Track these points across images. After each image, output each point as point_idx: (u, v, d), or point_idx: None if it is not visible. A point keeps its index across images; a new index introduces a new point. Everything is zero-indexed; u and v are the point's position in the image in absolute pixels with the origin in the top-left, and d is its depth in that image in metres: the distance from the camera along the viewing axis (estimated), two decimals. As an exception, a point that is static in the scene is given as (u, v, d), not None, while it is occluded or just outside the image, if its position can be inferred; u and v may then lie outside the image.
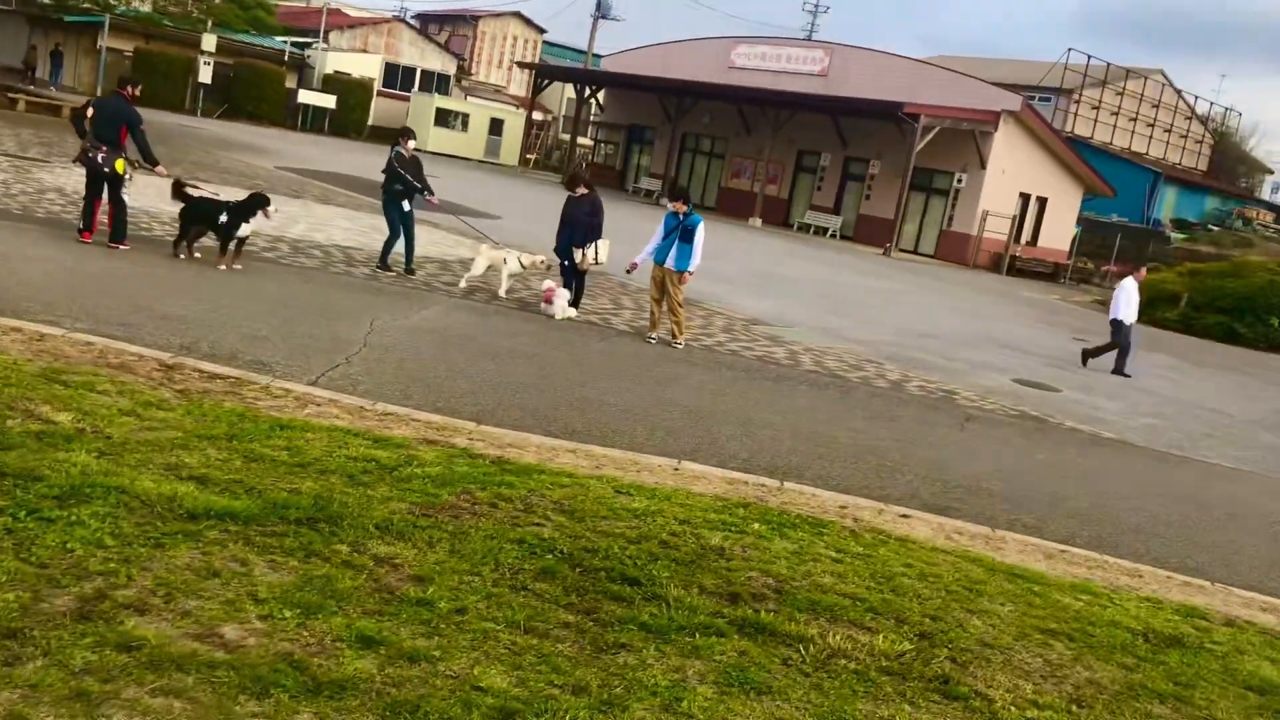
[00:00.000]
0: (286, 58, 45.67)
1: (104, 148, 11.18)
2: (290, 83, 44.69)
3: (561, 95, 53.81)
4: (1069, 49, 60.83)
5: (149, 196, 14.69)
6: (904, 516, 7.08)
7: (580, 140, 49.01)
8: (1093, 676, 4.81)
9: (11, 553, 4.07)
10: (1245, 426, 14.07)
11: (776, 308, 17.01)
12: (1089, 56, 48.96)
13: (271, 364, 8.08)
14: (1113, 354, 16.46)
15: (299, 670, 3.58)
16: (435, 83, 50.64)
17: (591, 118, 50.36)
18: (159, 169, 11.74)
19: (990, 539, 6.94)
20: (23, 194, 14.16)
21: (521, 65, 55.96)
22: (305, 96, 44.07)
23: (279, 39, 46.50)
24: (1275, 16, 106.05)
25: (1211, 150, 57.88)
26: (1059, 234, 40.15)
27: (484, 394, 8.46)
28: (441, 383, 8.59)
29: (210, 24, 37.48)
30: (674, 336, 12.08)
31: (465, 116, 47.43)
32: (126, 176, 11.40)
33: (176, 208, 11.76)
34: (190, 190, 11.50)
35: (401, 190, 13.47)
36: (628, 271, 12.89)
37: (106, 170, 11.21)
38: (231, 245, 11.55)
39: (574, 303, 12.76)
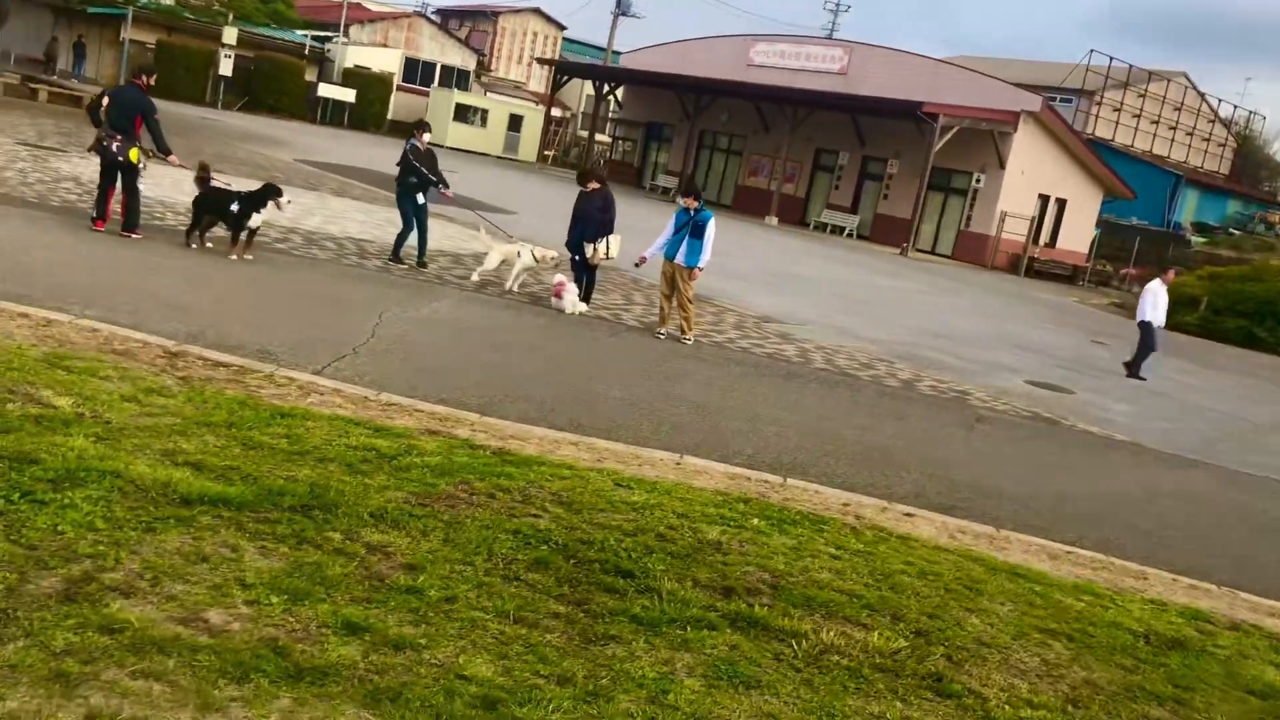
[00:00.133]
0: (307, 51, 45.82)
1: (119, 137, 11.21)
2: (310, 76, 44.84)
3: (580, 92, 53.82)
4: (1091, 50, 60.50)
5: (164, 186, 14.75)
6: (908, 515, 7.02)
7: (598, 137, 49.01)
8: (1090, 677, 4.74)
9: (2, 534, 4.07)
10: (1261, 431, 13.92)
11: (789, 306, 16.94)
12: (1111, 58, 48.65)
13: (277, 353, 8.08)
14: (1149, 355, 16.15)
15: (281, 656, 3.56)
16: (455, 78, 50.69)
17: (610, 114, 50.34)
18: (172, 158, 11.77)
19: (994, 539, 6.88)
20: (39, 183, 14.24)
21: (541, 61, 55.98)
22: (325, 90, 44.20)
23: (299, 32, 46.66)
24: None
25: (1234, 154, 57.32)
26: (1078, 236, 39.88)
27: (490, 386, 8.44)
28: (448, 374, 8.58)
29: (231, 17, 37.66)
30: (683, 332, 12.04)
31: (484, 112, 47.45)
32: (140, 165, 11.44)
33: (190, 198, 11.79)
34: (210, 180, 11.54)
35: (416, 183, 13.47)
36: (636, 265, 12.85)
37: (121, 159, 11.25)
38: (243, 236, 11.58)
39: (584, 298, 12.73)
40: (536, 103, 52.36)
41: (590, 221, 12.58)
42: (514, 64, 61.20)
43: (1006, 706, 4.25)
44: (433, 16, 57.51)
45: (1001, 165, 36.18)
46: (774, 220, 38.64)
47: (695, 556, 5.28)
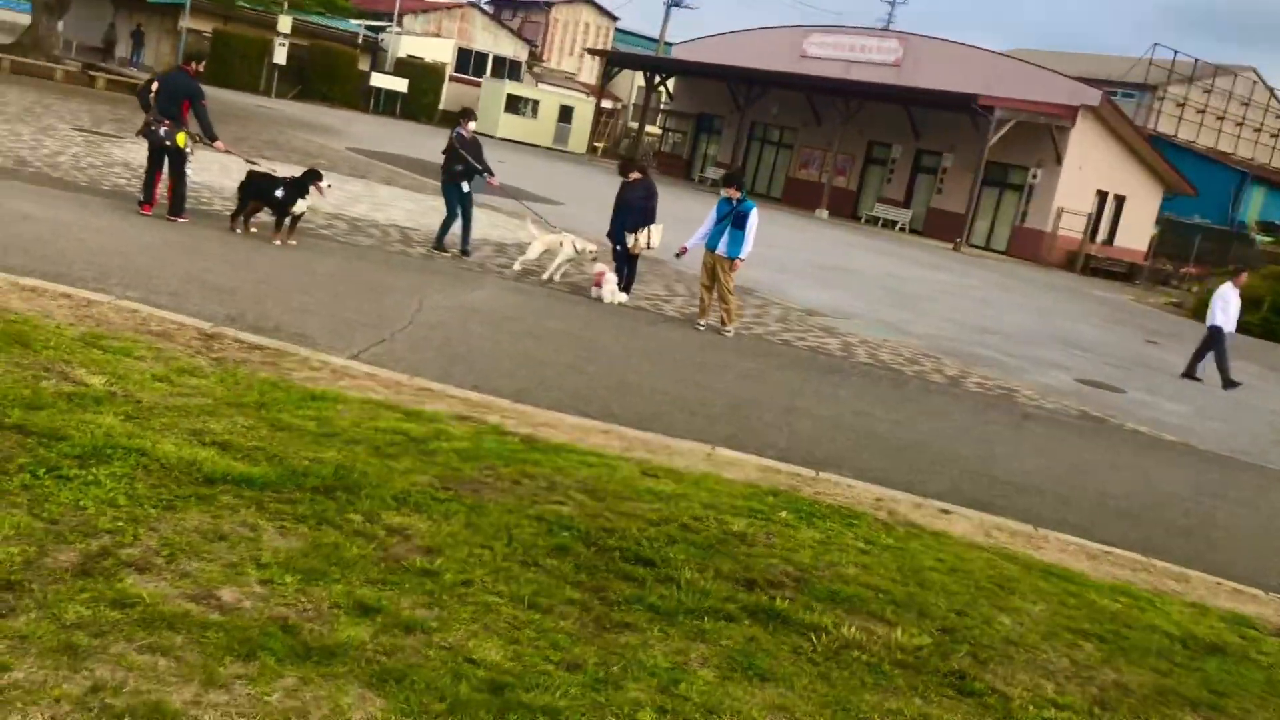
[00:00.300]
0: (360, 41, 46.20)
1: (166, 121, 11.35)
2: (363, 66, 45.21)
3: (632, 83, 53.75)
4: (1154, 44, 59.29)
5: (211, 171, 14.93)
6: (944, 512, 6.89)
7: (648, 129, 48.90)
8: (1121, 680, 4.61)
9: (25, 508, 4.11)
10: (1319, 434, 13.51)
11: (835, 299, 16.76)
12: (1175, 52, 47.58)
13: (314, 337, 8.12)
14: (1207, 359, 15.65)
15: (290, 634, 3.56)
16: (507, 69, 50.87)
17: (660, 106, 50.21)
18: (218, 144, 11.90)
19: (1032, 537, 6.73)
20: (91, 167, 14.47)
21: (592, 52, 55.98)
22: (378, 80, 44.54)
23: (354, 22, 47.02)
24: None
25: (1304, 151, 55.81)
26: (1137, 233, 39.09)
27: (524, 374, 8.42)
28: (483, 361, 8.57)
29: (286, 6, 38.04)
30: (723, 324, 11.94)
31: (535, 103, 47.55)
32: (188, 150, 11.57)
33: (236, 182, 11.92)
34: (257, 168, 11.67)
35: (461, 171, 13.49)
36: (677, 256, 12.77)
37: (168, 144, 11.38)
38: (287, 221, 11.67)
39: (625, 288, 12.68)
40: (587, 94, 52.38)
41: (632, 211, 12.53)
42: (565, 55, 61.29)
43: (1030, 707, 4.14)
44: (486, 7, 57.70)
45: (1059, 160, 35.56)
46: (824, 213, 38.33)
47: (719, 547, 5.21)
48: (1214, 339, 15.47)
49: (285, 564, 4.08)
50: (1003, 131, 33.91)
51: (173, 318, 7.61)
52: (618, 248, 12.74)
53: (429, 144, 30.90)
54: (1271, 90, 53.20)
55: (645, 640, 4.06)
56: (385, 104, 44.73)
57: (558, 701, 3.48)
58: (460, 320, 9.98)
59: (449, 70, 48.23)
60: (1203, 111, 49.30)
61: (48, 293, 7.56)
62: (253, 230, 11.89)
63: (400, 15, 48.89)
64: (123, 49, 42.17)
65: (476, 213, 14.21)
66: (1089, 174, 36.19)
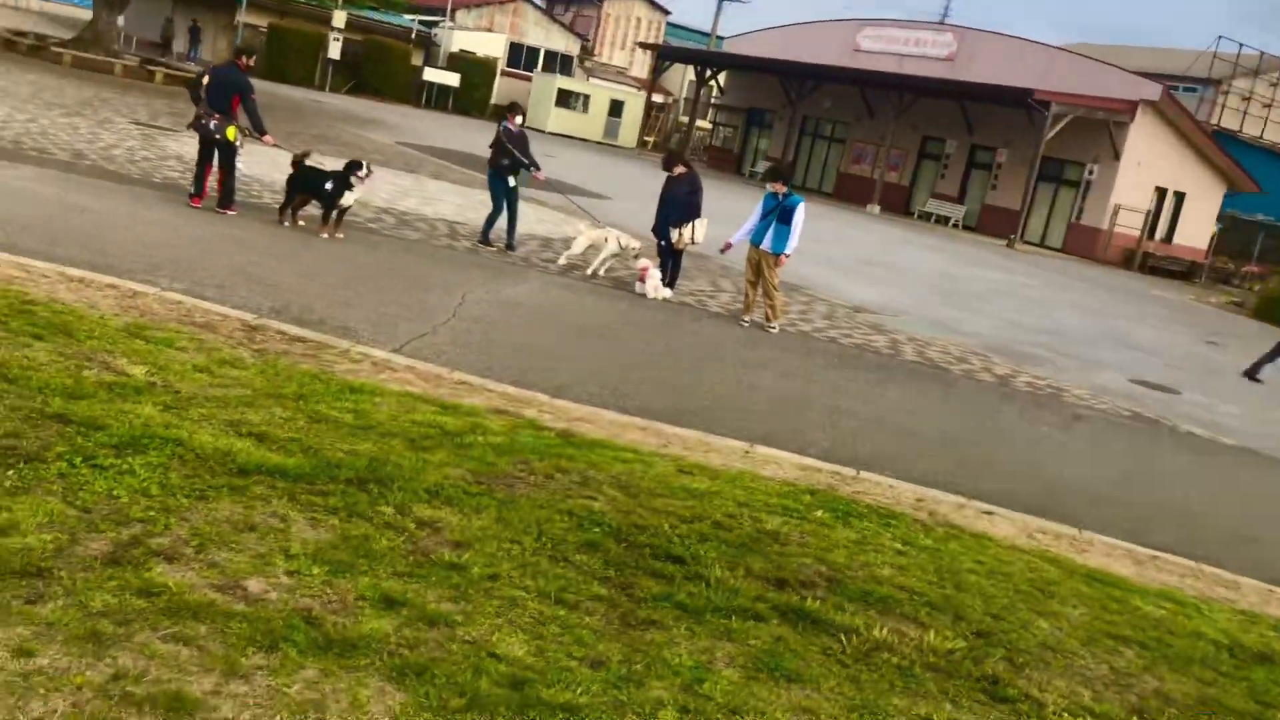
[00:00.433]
0: (413, 35, 46.52)
1: (217, 115, 11.49)
2: (416, 60, 45.51)
3: (683, 78, 53.59)
4: (1219, 37, 57.77)
5: (262, 165, 15.10)
6: (987, 513, 6.77)
7: (699, 123, 48.73)
8: (1162, 688, 4.48)
9: (59, 496, 4.17)
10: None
11: (884, 296, 16.57)
12: (1240, 45, 46.44)
13: (357, 330, 8.17)
14: (1275, 360, 15.26)
15: (313, 626, 3.56)
16: (558, 63, 50.96)
17: (711, 100, 50.02)
18: (267, 138, 12.02)
19: (1076, 540, 6.59)
20: (145, 160, 14.71)
21: (643, 46, 55.92)
22: (430, 74, 44.82)
23: (406, 17, 47.36)
24: None
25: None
26: (1197, 231, 38.23)
27: (565, 369, 8.41)
28: (524, 356, 8.57)
29: (341, 1, 38.44)
30: (768, 320, 11.85)
31: (586, 98, 47.58)
32: (238, 144, 11.71)
33: (285, 176, 12.04)
34: (306, 161, 11.76)
35: (508, 165, 13.51)
36: (721, 251, 12.69)
37: (218, 137, 11.53)
38: (334, 214, 11.77)
39: (669, 283, 12.63)
40: (638, 88, 52.33)
41: (677, 205, 12.47)
42: (617, 49, 61.30)
43: (1065, 714, 4.04)
44: (538, 2, 57.88)
45: (1116, 156, 34.89)
46: (876, 209, 37.95)
47: (751, 546, 5.15)
48: None
49: (313, 555, 4.10)
50: (1059, 126, 33.34)
51: (217, 309, 7.70)
52: (662, 243, 12.69)
53: (479, 139, 31.01)
54: (1341, 84, 51.71)
55: (671, 638, 4.02)
56: (437, 99, 45.01)
57: (578, 698, 3.45)
58: (503, 314, 9.99)
59: (501, 65, 48.41)
60: (1269, 106, 48.08)
61: (94, 284, 7.68)
62: (300, 223, 12.01)
63: (453, 10, 49.18)
64: (180, 44, 42.85)
65: (523, 207, 14.22)
66: (1148, 170, 35.46)
